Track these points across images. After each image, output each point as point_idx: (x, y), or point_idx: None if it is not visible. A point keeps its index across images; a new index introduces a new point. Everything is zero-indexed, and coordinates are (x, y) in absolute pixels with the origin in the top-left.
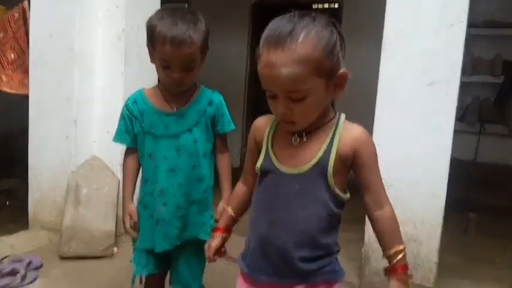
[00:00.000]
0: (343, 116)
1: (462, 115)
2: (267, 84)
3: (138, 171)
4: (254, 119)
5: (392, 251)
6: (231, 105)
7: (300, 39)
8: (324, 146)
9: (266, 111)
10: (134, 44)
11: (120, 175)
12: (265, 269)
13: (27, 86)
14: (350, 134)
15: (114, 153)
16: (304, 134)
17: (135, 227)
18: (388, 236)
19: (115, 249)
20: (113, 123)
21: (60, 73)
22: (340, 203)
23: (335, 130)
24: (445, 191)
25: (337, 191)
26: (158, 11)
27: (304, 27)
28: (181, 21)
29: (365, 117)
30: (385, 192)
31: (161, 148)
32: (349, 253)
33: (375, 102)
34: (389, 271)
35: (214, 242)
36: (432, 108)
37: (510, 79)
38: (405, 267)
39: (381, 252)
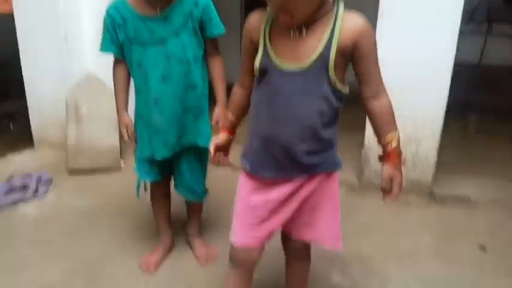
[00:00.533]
0: (341, 5)
1: (471, 14)
2: None
3: (129, 81)
4: None
5: (388, 138)
6: (225, 17)
7: None
8: (324, 40)
9: None
10: None
11: None
12: (269, 165)
13: (9, 2)
14: (350, 26)
15: (110, 66)
16: (303, 27)
17: (133, 136)
18: (384, 123)
19: (122, 161)
20: None
21: None
22: (340, 97)
23: (335, 22)
24: (448, 91)
25: (338, 84)
26: None
27: None
28: None
29: (368, 11)
30: (382, 82)
31: (149, 56)
32: (347, 159)
33: None
34: (383, 157)
35: (218, 139)
36: (439, 5)
37: None
38: (399, 153)
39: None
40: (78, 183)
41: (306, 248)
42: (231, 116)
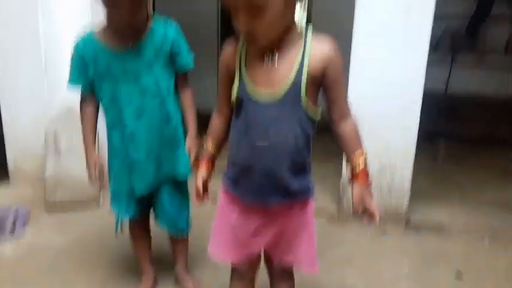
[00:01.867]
0: (310, 28)
1: (435, 45)
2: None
3: (97, 117)
4: None
5: (355, 155)
6: (203, 46)
7: None
8: (295, 68)
9: None
10: None
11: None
12: (249, 191)
13: None
14: (319, 52)
15: None
16: (274, 51)
17: (102, 175)
18: (351, 145)
19: (101, 195)
20: None
21: (23, 15)
22: (313, 123)
23: (304, 46)
24: (418, 121)
25: (310, 111)
26: None
27: None
28: None
29: (342, 47)
30: (348, 105)
31: (123, 92)
32: (326, 188)
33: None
34: (352, 178)
35: (201, 174)
36: (407, 37)
37: (482, 6)
38: (366, 172)
39: None
40: (56, 219)
41: (288, 268)
42: (210, 146)
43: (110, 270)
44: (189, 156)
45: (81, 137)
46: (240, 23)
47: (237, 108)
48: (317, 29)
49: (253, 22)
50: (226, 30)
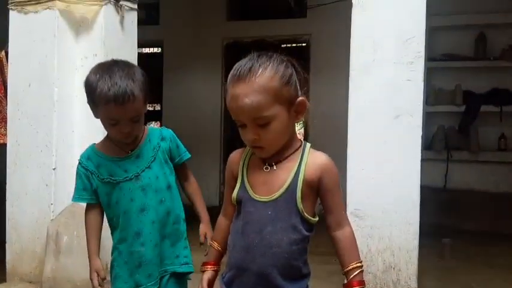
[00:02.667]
0: (308, 144)
1: (430, 143)
2: (235, 115)
3: (101, 226)
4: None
5: (350, 267)
6: (207, 145)
7: (258, 72)
8: (292, 174)
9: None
10: None
11: None
12: None
13: (4, 135)
14: (315, 162)
15: None
16: (273, 163)
17: (103, 284)
18: (346, 254)
19: None
20: None
21: (39, 121)
22: (309, 226)
23: (301, 158)
24: (418, 217)
25: (306, 215)
26: (94, 69)
27: (262, 63)
28: (119, 78)
29: (337, 149)
30: (345, 214)
31: (126, 192)
32: (332, 285)
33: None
34: (346, 286)
35: (207, 275)
36: (400, 139)
37: (470, 107)
38: (361, 282)
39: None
40: None
41: None
42: (216, 245)
43: None
44: (205, 240)
45: (82, 238)
46: (247, 135)
47: (237, 209)
48: (314, 134)
49: (259, 135)
50: (230, 132)
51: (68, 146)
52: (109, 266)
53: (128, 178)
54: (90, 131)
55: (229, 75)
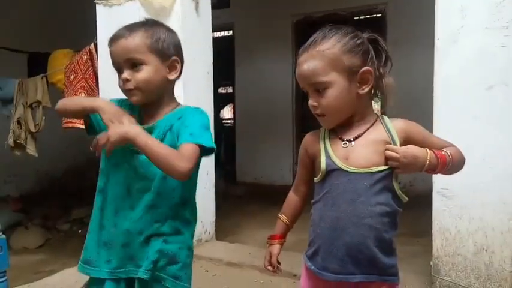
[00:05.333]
0: (385, 117)
1: None
2: (299, 82)
3: None
4: (303, 135)
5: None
6: (279, 124)
7: (319, 41)
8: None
9: (315, 127)
10: (192, 75)
11: None
12: (331, 267)
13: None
14: (398, 130)
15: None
16: (352, 139)
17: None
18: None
19: None
20: None
21: None
22: (400, 202)
23: (388, 129)
24: None
25: (399, 191)
26: None
27: (327, 33)
28: (133, 24)
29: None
30: (447, 142)
31: (130, 160)
32: (416, 267)
33: (429, 108)
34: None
35: (274, 249)
36: (493, 111)
37: None
38: (444, 158)
39: (451, 265)
40: None
41: None
42: (285, 219)
43: None
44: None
45: None
46: (310, 101)
47: (320, 183)
48: (391, 110)
49: (318, 101)
50: (302, 111)
51: None
52: None
53: (134, 151)
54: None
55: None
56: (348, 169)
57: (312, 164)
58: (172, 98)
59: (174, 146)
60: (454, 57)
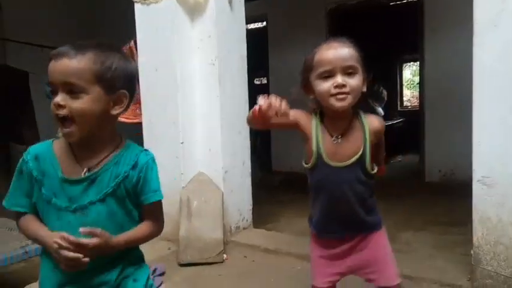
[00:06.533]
0: (361, 112)
1: None
2: (329, 63)
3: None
4: None
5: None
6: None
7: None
8: (361, 143)
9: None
10: (227, 68)
11: (223, 188)
12: (332, 229)
13: (139, 115)
14: (373, 127)
15: (217, 169)
16: (340, 135)
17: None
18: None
19: (224, 255)
20: (213, 142)
21: (166, 101)
22: (372, 176)
23: (364, 128)
24: None
25: (370, 170)
26: None
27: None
28: (84, 44)
29: (455, 111)
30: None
31: (64, 224)
32: (456, 256)
33: (469, 95)
34: None
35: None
36: None
37: None
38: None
39: (492, 254)
40: (187, 275)
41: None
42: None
43: None
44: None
45: (208, 203)
46: (339, 80)
47: (311, 169)
48: (431, 96)
49: (346, 82)
50: None
51: (191, 121)
52: None
53: (70, 209)
54: (209, 106)
55: (324, 43)
56: (332, 164)
57: (291, 128)
58: (114, 133)
59: (129, 192)
60: (493, 42)
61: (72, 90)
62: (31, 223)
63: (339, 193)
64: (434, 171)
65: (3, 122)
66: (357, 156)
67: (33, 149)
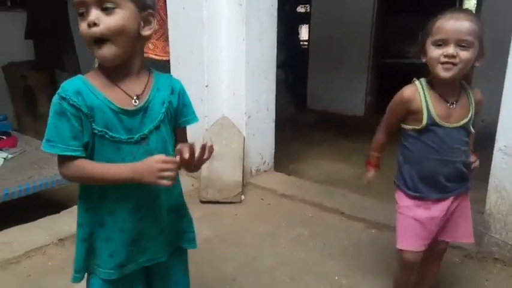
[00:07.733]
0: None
1: None
2: (446, 32)
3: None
4: (379, 64)
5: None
6: (355, 52)
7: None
8: (470, 112)
9: (393, 55)
10: (255, 10)
11: (245, 132)
12: (434, 190)
13: (168, 53)
14: (477, 98)
15: (240, 113)
16: (454, 102)
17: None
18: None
19: (242, 196)
20: (238, 86)
21: (192, 41)
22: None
23: (469, 97)
24: None
25: (473, 130)
26: None
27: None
28: None
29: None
30: None
31: (126, 156)
32: None
33: None
34: None
35: (371, 173)
36: None
37: None
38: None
39: (503, 223)
40: (207, 212)
41: (443, 251)
42: (376, 155)
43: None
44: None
45: (229, 143)
46: (448, 51)
47: (418, 133)
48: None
49: (459, 54)
50: (380, 40)
51: (216, 63)
52: None
53: (132, 140)
54: (235, 48)
55: (447, 12)
56: (445, 125)
57: (406, 116)
58: (144, 59)
59: (172, 117)
60: None
61: (106, 7)
62: (88, 165)
63: (449, 152)
64: None
65: (49, 48)
66: (466, 120)
67: (69, 85)
